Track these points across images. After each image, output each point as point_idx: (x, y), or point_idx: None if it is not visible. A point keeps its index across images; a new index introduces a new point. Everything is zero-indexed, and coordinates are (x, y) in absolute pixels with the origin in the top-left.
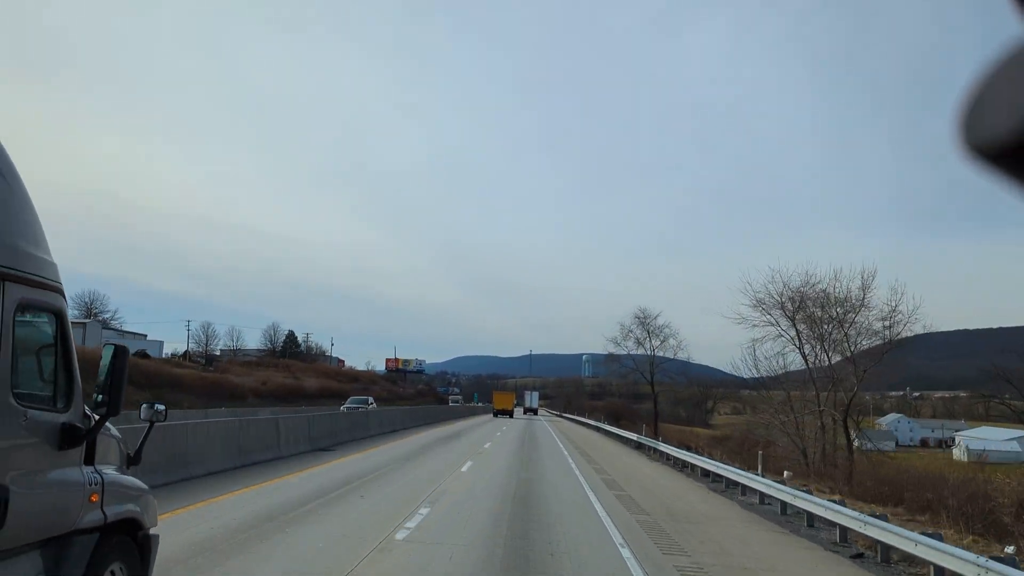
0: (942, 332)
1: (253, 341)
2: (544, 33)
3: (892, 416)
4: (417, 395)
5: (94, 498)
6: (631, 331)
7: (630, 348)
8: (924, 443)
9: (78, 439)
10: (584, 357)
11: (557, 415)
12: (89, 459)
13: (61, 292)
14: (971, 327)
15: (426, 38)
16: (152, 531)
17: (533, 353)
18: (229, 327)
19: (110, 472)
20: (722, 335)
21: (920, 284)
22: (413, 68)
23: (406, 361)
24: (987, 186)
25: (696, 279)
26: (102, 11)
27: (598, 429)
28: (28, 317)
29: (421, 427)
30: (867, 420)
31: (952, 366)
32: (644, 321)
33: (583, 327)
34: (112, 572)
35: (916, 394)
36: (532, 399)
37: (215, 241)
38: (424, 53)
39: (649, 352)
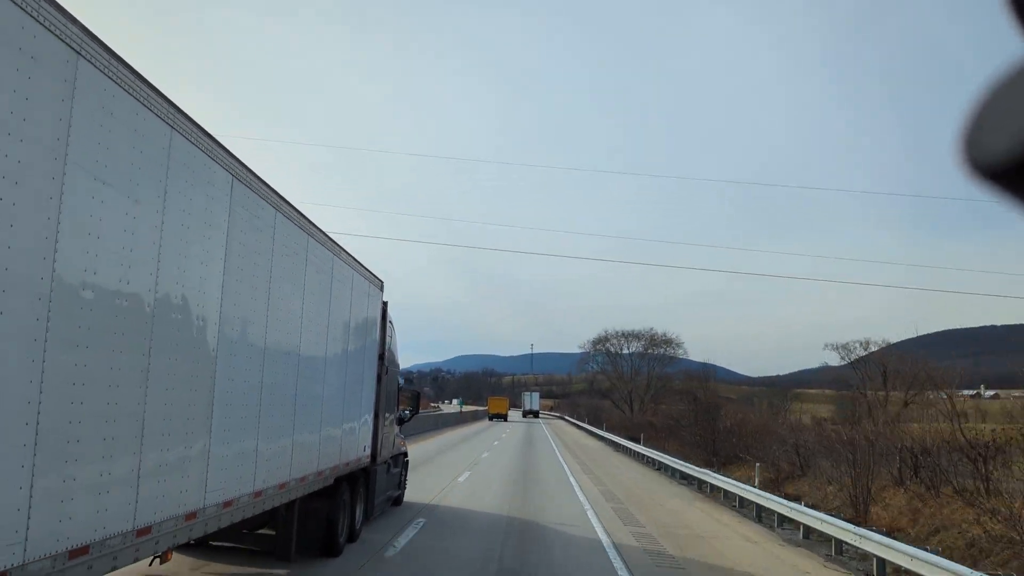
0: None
1: None
2: (549, 27)
3: None
4: None
5: (401, 443)
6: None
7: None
8: None
9: (402, 422)
10: (591, 352)
11: (559, 417)
12: (401, 430)
13: (399, 370)
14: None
15: (428, 34)
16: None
17: (536, 352)
18: None
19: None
20: (722, 333)
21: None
22: (414, 61)
23: None
24: None
25: (698, 275)
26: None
27: None
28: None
29: None
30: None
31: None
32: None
33: (587, 325)
34: (401, 472)
35: (991, 393)
36: (532, 400)
37: None
38: (427, 49)
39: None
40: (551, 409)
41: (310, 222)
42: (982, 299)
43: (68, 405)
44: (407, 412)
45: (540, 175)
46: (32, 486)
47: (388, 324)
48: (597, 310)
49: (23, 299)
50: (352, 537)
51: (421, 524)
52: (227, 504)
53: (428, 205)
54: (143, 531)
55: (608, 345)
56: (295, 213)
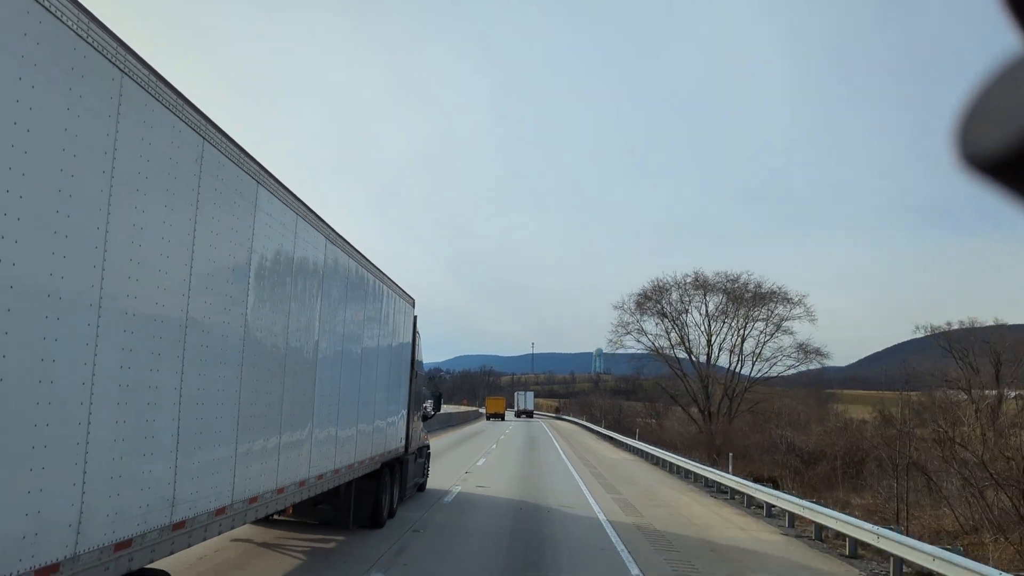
0: None
1: None
2: (545, 27)
3: None
4: None
5: (425, 437)
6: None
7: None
8: None
9: (427, 418)
10: (595, 352)
11: (557, 417)
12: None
13: (425, 373)
14: None
15: (426, 33)
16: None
17: (538, 352)
18: None
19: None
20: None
21: None
22: (414, 61)
23: None
24: None
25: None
26: None
27: None
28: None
29: None
30: None
31: None
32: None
33: (590, 325)
34: (425, 462)
35: (1013, 394)
36: (526, 400)
37: None
38: (428, 47)
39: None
40: (556, 410)
41: (367, 260)
42: (985, 299)
43: (251, 406)
44: (430, 411)
45: (541, 171)
46: (236, 455)
47: (416, 334)
48: (598, 312)
49: (234, 343)
50: (391, 514)
51: (447, 505)
52: (319, 477)
53: (430, 203)
54: (280, 490)
55: (664, 304)
56: (359, 255)
